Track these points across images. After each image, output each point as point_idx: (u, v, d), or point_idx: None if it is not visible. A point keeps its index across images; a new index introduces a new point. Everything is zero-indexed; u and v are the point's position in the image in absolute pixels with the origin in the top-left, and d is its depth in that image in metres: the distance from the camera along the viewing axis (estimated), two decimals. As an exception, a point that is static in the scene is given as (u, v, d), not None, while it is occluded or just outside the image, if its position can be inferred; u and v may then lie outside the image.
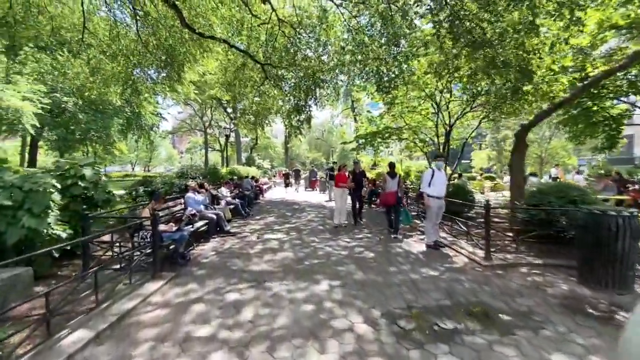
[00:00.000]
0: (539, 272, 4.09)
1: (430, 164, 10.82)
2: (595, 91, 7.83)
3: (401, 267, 4.27)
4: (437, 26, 6.07)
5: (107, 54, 11.98)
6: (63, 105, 24.06)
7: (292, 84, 13.97)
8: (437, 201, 5.13)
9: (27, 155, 29.71)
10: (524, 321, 2.76)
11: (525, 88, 6.42)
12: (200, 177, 9.78)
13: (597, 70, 6.80)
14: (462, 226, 5.62)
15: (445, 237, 5.79)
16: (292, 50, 12.82)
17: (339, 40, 12.15)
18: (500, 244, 5.09)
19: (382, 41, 10.85)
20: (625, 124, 9.31)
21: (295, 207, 10.68)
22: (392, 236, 5.93)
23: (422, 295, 3.33)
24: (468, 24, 5.80)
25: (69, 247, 3.49)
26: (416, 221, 7.55)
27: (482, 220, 5.79)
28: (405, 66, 10.07)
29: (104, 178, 4.67)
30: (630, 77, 7.70)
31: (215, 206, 6.59)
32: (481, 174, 16.88)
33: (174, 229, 4.37)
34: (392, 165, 6.72)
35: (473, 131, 10.95)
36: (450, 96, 9.90)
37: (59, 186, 3.60)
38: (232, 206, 7.73)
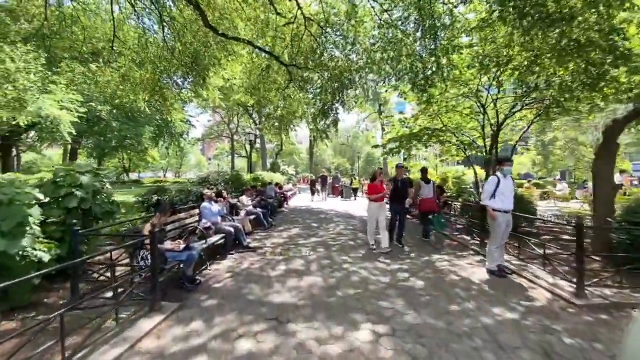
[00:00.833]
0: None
1: (472, 168, 9.59)
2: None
3: (465, 304, 3.26)
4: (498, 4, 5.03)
5: (136, 62, 12.03)
6: (98, 114, 25.14)
7: (318, 86, 13.29)
8: (505, 216, 4.06)
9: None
10: None
11: (613, 73, 5.15)
12: (222, 184, 9.23)
13: None
14: (535, 247, 4.47)
15: (509, 260, 4.67)
16: (318, 51, 12.16)
17: (368, 37, 11.28)
18: (589, 273, 3.90)
19: (417, 35, 9.89)
20: None
21: (321, 216, 9.83)
22: (402, 247, 5.65)
23: (509, 358, 2.33)
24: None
25: (54, 271, 2.85)
26: (464, 237, 6.42)
27: (549, 237, 4.62)
28: (445, 60, 9.02)
29: (108, 186, 4.08)
30: None
31: (234, 217, 5.90)
32: (529, 181, 15.11)
33: (182, 247, 3.67)
34: (424, 171, 6.79)
35: (524, 132, 9.59)
36: (499, 92, 8.66)
37: (40, 197, 3.03)
38: (253, 216, 7.02)
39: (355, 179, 29.68)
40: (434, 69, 9.32)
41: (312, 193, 16.50)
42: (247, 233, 5.84)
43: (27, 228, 2.70)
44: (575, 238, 3.61)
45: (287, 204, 13.30)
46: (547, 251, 4.30)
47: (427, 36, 9.28)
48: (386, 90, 11.36)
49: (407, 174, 8.66)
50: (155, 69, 12.23)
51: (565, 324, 2.85)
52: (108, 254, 3.54)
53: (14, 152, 32.97)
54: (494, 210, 4.00)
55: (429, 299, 3.40)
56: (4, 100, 13.06)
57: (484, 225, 5.59)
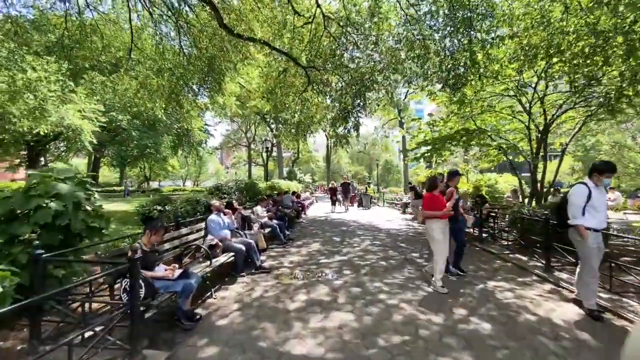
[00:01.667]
0: None
1: (516, 174, 8.46)
2: None
3: (564, 367, 2.28)
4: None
5: (153, 69, 11.84)
6: (118, 124, 25.54)
7: (338, 89, 12.57)
8: (596, 237, 3.04)
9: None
10: None
11: None
12: (236, 193, 8.56)
13: None
14: (635, 276, 3.39)
15: (570, 280, 3.59)
16: (338, 52, 11.48)
17: (393, 34, 10.47)
18: None
19: (448, 30, 9.00)
20: None
21: (343, 228, 8.93)
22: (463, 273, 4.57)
23: None
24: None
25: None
26: (519, 256, 5.34)
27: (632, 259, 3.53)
28: (481, 55, 8.07)
29: (97, 196, 3.40)
30: None
31: (246, 232, 5.13)
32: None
33: (177, 273, 2.89)
34: (434, 179, 6.21)
35: (574, 135, 8.38)
36: (547, 88, 7.57)
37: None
38: (268, 229, 6.24)
39: (369, 187, 28.65)
40: (468, 64, 8.37)
41: (333, 203, 14.71)
42: (261, 250, 5.05)
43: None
44: None
45: (305, 214, 12.50)
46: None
47: (460, 29, 8.37)
48: (412, 92, 10.43)
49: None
50: (172, 76, 12.00)
51: None
52: (89, 284, 2.81)
53: (42, 161, 34.34)
54: (586, 229, 2.99)
55: (507, 354, 2.43)
56: (26, 109, 13.08)
57: (549, 244, 4.55)
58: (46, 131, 17.33)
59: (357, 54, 11.33)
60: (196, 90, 14.28)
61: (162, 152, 32.98)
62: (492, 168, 13.99)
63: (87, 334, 2.29)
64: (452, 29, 8.57)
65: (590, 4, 5.70)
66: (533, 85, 7.70)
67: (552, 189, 8.79)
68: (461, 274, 4.44)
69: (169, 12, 10.91)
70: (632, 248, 5.47)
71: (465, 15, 7.97)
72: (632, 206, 12.85)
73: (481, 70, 8.20)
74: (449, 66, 9.03)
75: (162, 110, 16.04)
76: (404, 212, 13.09)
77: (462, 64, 8.69)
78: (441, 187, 4.09)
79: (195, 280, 2.97)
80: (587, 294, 3.09)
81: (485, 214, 7.06)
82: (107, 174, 50.87)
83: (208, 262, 3.68)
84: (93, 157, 31.12)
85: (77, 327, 2.47)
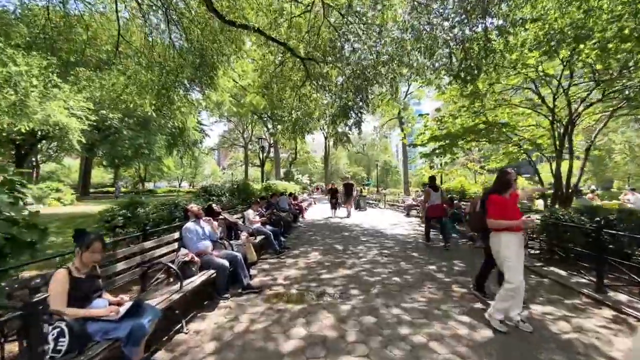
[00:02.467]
0: None
1: (537, 174, 7.69)
2: None
3: None
4: None
5: (143, 64, 11.03)
6: (109, 122, 24.56)
7: (339, 83, 11.77)
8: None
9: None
10: None
11: None
12: (226, 195, 7.71)
13: None
14: None
15: (632, 303, 2.81)
16: (338, 43, 10.70)
17: (399, 22, 9.71)
18: None
19: (459, 18, 8.28)
20: None
21: (345, 234, 8.10)
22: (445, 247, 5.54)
23: None
24: None
25: None
26: (556, 271, 4.53)
27: None
28: (500, 42, 7.32)
29: (30, 200, 2.54)
30: None
31: (233, 242, 4.28)
32: (592, 191, 12.78)
33: (122, 311, 2.04)
34: (433, 179, 7.06)
35: (600, 130, 7.62)
36: (572, 77, 6.81)
37: None
38: (261, 237, 5.39)
39: (365, 188, 27.85)
40: (482, 54, 7.61)
41: (333, 206, 12.71)
42: (250, 264, 4.20)
43: None
44: None
45: (302, 217, 11.65)
46: None
47: (473, 15, 7.62)
48: (418, 87, 9.66)
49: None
50: (162, 70, 11.20)
51: None
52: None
53: (34, 162, 33.26)
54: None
55: None
56: (6, 104, 12.20)
57: (602, 257, 3.74)
58: (28, 128, 16.39)
59: (359, 45, 10.54)
60: (187, 85, 13.39)
61: (155, 152, 32.04)
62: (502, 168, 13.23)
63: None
64: (463, 15, 7.83)
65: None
66: (557, 76, 6.92)
67: (591, 190, 8.02)
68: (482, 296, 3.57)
69: (159, 2, 10.10)
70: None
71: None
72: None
73: (497, 59, 7.46)
74: (460, 57, 8.32)
75: (152, 107, 15.24)
76: (408, 215, 12.28)
77: (475, 53, 7.95)
78: (514, 189, 2.94)
79: (151, 318, 2.11)
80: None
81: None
82: (102, 174, 49.81)
83: (178, 286, 2.83)
84: (85, 157, 30.15)
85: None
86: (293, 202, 11.07)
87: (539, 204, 9.63)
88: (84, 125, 19.66)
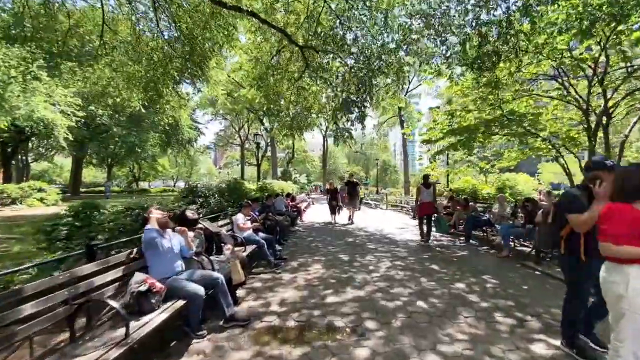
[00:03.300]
0: None
1: (568, 172, 6.86)
2: None
3: None
4: None
5: (129, 55, 10.11)
6: (97, 119, 23.47)
7: (340, 74, 10.89)
8: None
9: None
10: None
11: None
12: (215, 196, 6.80)
13: None
14: None
15: None
16: (340, 31, 9.83)
17: (407, 5, 8.87)
18: None
19: (474, 1, 7.49)
20: None
21: (349, 240, 7.22)
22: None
23: None
24: None
25: None
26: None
27: None
28: (526, 24, 6.50)
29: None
30: None
31: (214, 257, 3.38)
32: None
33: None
34: (426, 177, 7.11)
35: (635, 123, 6.82)
36: (608, 64, 5.98)
37: None
38: (252, 248, 4.50)
39: (365, 187, 27.00)
40: (503, 39, 6.79)
41: (333, 210, 10.57)
42: (236, 286, 3.30)
43: None
44: None
45: (301, 219, 10.77)
46: None
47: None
48: (425, 78, 8.84)
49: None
50: (150, 61, 10.32)
51: None
52: None
53: (24, 161, 32.05)
54: None
55: None
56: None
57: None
58: (7, 124, 15.31)
59: (362, 32, 9.65)
60: (177, 77, 12.43)
61: (148, 151, 30.94)
62: (512, 167, 12.41)
63: None
64: (480, -2, 7.02)
65: None
66: (592, 62, 6.08)
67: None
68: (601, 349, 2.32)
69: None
70: None
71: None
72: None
73: (520, 43, 6.62)
74: (475, 43, 7.50)
75: (140, 101, 14.33)
76: (414, 218, 11.39)
77: (493, 38, 7.12)
78: None
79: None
80: None
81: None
82: (94, 173, 48.52)
83: (123, 332, 1.93)
84: (75, 156, 29.02)
85: None
86: (291, 203, 10.19)
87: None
88: (71, 121, 18.66)
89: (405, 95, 26.92)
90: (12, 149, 23.99)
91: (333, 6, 9.43)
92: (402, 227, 9.25)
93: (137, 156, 30.70)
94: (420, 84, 27.19)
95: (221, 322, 2.85)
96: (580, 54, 6.08)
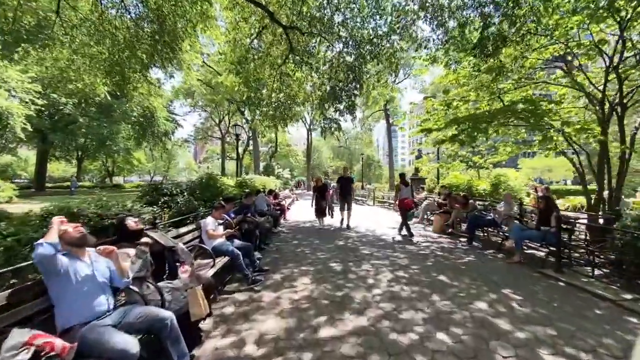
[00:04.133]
0: None
1: (577, 167, 6.36)
2: None
3: None
4: None
5: (91, 34, 8.79)
6: (60, 108, 21.39)
7: (328, 60, 10.01)
8: None
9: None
10: None
11: None
12: (185, 194, 5.80)
13: None
14: None
15: None
16: (328, 11, 8.96)
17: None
18: None
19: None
20: None
21: (339, 243, 6.41)
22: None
23: None
24: None
25: None
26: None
27: None
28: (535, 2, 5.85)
29: None
30: None
31: (165, 284, 2.45)
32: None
33: None
34: (403, 176, 7.70)
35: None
36: (624, 49, 5.43)
37: None
38: (224, 262, 3.60)
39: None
40: (509, 21, 6.13)
41: (320, 212, 8.46)
42: (196, 321, 2.40)
43: None
44: None
45: (285, 218, 9.88)
46: None
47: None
48: (424, 60, 8.12)
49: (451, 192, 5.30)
50: (114, 41, 9.08)
51: None
52: None
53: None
54: None
55: None
56: None
57: None
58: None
59: (352, 13, 8.79)
60: (145, 60, 11.09)
61: (120, 143, 28.81)
62: (504, 162, 12.00)
63: None
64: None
65: None
66: (610, 47, 5.52)
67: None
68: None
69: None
70: None
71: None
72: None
73: (529, 25, 5.98)
74: (478, 25, 6.85)
75: (105, 87, 12.91)
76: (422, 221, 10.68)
77: (497, 20, 6.47)
78: None
79: None
80: None
81: (555, 226, 4.80)
82: (63, 168, 45.12)
83: None
84: (38, 148, 26.57)
85: None
86: (273, 201, 9.27)
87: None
88: (30, 110, 16.79)
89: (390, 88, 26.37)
90: (-37, 140, 21.58)
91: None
92: (393, 226, 8.56)
93: (108, 149, 28.56)
94: (406, 78, 26.60)
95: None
96: (597, 38, 5.49)
